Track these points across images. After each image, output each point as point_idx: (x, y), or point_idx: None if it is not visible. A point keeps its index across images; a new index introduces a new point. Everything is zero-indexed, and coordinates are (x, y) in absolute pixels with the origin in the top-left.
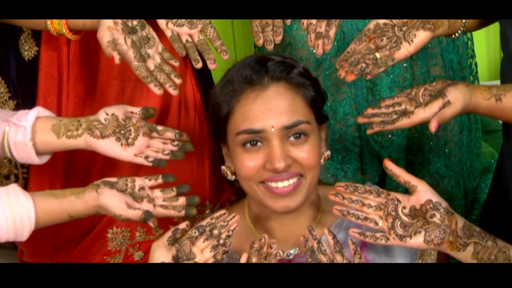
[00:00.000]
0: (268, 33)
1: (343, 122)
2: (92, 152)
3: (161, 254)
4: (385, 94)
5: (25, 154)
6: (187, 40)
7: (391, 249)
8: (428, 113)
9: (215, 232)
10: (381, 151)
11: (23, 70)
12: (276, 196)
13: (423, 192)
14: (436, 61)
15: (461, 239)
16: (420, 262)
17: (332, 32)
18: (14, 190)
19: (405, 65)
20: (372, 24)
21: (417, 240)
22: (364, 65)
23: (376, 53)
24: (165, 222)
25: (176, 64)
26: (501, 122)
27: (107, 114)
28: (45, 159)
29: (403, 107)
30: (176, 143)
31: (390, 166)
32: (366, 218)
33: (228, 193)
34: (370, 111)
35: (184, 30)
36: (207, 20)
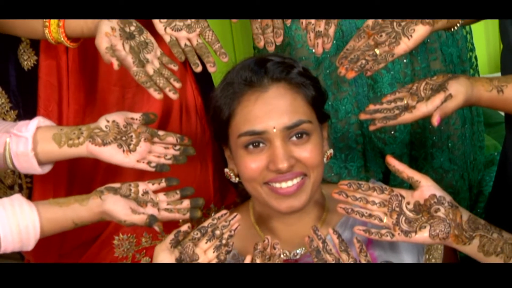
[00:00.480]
0: (268, 34)
1: (345, 120)
2: (95, 160)
3: (164, 257)
4: (386, 90)
5: (27, 164)
6: (186, 44)
7: (397, 245)
8: (430, 107)
9: (217, 232)
10: (384, 147)
11: (23, 80)
12: (281, 196)
13: (427, 187)
14: (436, 56)
15: (467, 233)
16: (427, 256)
17: (331, 31)
18: (18, 200)
19: (405, 61)
20: (370, 20)
21: (423, 235)
22: (364, 61)
23: (376, 49)
24: (171, 227)
25: (175, 68)
26: (503, 114)
27: (108, 121)
28: (47, 168)
29: (405, 102)
30: (177, 147)
31: (393, 162)
32: (370, 215)
33: (232, 196)
34: (372, 107)
35: (183, 35)
36: (205, 24)
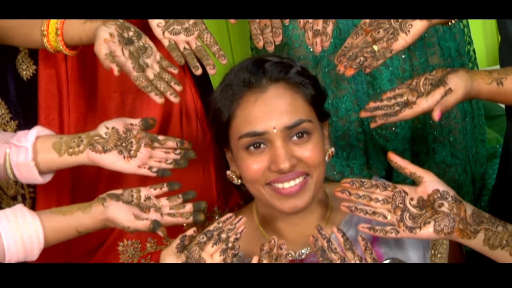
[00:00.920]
0: (267, 34)
1: (346, 118)
2: (98, 167)
3: (170, 262)
4: (386, 87)
5: (28, 174)
6: (184, 48)
7: (402, 241)
8: (431, 102)
9: (223, 236)
10: (386, 144)
11: (22, 90)
12: (284, 196)
13: (430, 182)
14: (434, 50)
15: (471, 227)
16: (432, 252)
17: (329, 29)
18: (20, 210)
19: (403, 56)
20: None
21: (427, 231)
22: (362, 58)
23: (374, 46)
24: (175, 231)
25: (175, 71)
26: (503, 106)
27: (107, 128)
28: (48, 178)
29: (405, 98)
30: (178, 151)
31: (395, 158)
32: (374, 213)
33: (235, 198)
34: (372, 104)
35: (181, 38)
36: (203, 26)
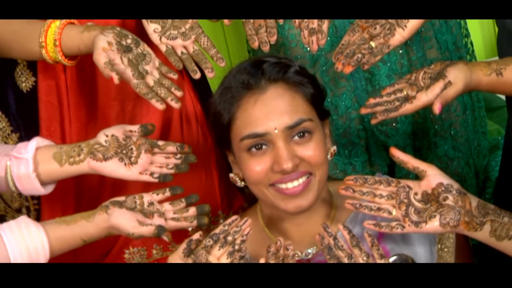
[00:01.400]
0: (262, 34)
1: (346, 116)
2: (101, 176)
3: None
4: (384, 83)
5: (30, 185)
6: (182, 52)
7: (409, 237)
8: (431, 95)
9: (229, 238)
10: (387, 140)
11: (22, 102)
12: (288, 197)
13: (433, 176)
14: (431, 44)
15: (477, 219)
16: (439, 246)
17: (325, 27)
18: (24, 222)
19: (400, 51)
20: None
21: (433, 225)
22: (360, 55)
23: (371, 42)
24: (181, 237)
25: (175, 77)
26: (504, 98)
27: (107, 136)
28: (50, 188)
29: (405, 93)
30: (178, 156)
31: (397, 153)
32: (379, 209)
33: (239, 201)
34: (372, 101)
35: (178, 43)
36: (200, 30)
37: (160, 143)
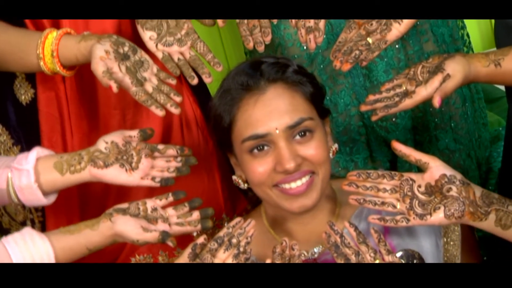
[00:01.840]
0: (256, 35)
1: (345, 113)
2: (105, 184)
3: None
4: (382, 78)
5: (32, 196)
6: (179, 59)
7: (415, 231)
8: (430, 89)
9: (234, 240)
10: (388, 135)
11: (22, 115)
12: (292, 197)
13: (436, 168)
14: (427, 37)
15: (482, 208)
16: (445, 240)
17: (321, 24)
18: (29, 233)
19: (397, 46)
20: None
21: (438, 216)
22: (357, 52)
23: (368, 38)
24: (186, 241)
25: (173, 82)
26: (503, 89)
27: (107, 143)
28: (52, 198)
29: (404, 88)
30: (179, 159)
31: (399, 147)
32: (383, 203)
33: (243, 204)
34: (371, 97)
35: (175, 49)
36: (196, 35)
37: (160, 146)
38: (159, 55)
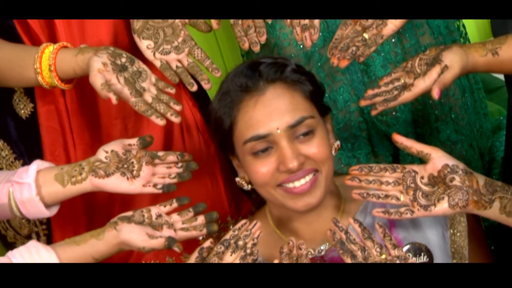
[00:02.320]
0: (251, 35)
1: (345, 109)
2: (109, 194)
3: None
4: (380, 73)
5: (35, 209)
6: (177, 66)
7: (420, 224)
8: (428, 81)
9: (240, 243)
10: (388, 129)
11: (23, 129)
12: (296, 196)
13: (438, 158)
14: (423, 30)
15: (486, 197)
16: (451, 231)
17: (316, 22)
18: (34, 246)
19: (393, 40)
20: None
21: (442, 207)
22: (354, 48)
23: (364, 34)
24: (192, 246)
25: (172, 91)
26: (502, 78)
27: (107, 152)
28: (54, 210)
29: (402, 81)
30: (180, 164)
31: (400, 139)
32: (387, 196)
33: (247, 206)
34: (370, 92)
35: (172, 57)
36: (193, 42)
37: (160, 153)
38: (157, 63)
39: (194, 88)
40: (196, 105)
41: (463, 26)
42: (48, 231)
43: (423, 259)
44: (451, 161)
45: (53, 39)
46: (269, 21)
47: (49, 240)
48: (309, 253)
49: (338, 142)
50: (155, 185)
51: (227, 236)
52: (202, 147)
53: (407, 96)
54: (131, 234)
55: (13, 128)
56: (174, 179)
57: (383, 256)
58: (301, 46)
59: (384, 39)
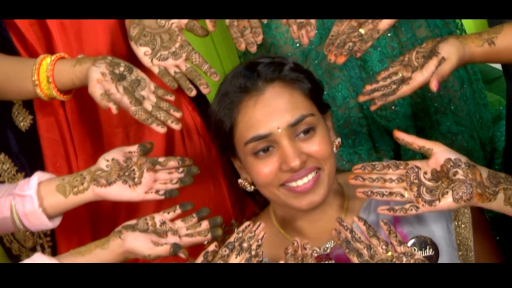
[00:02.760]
0: (247, 36)
1: (344, 106)
2: (113, 202)
3: None
4: (377, 68)
5: (37, 221)
6: (175, 72)
7: (424, 218)
8: (426, 74)
9: (245, 245)
10: (389, 124)
11: (23, 141)
12: (299, 194)
13: (440, 153)
14: (419, 23)
15: (489, 189)
16: (456, 223)
17: (312, 19)
18: (39, 258)
19: (390, 35)
20: None
21: (447, 201)
22: (351, 44)
23: (360, 29)
24: (197, 251)
25: (172, 98)
26: (500, 68)
27: (107, 160)
28: (57, 221)
29: (400, 75)
30: (181, 169)
31: (401, 135)
32: (391, 193)
33: (251, 207)
34: (369, 87)
35: (170, 63)
36: (190, 47)
37: (161, 159)
38: (155, 70)
39: (193, 93)
40: (196, 109)
41: None
42: (52, 242)
43: (429, 252)
44: (453, 155)
45: (50, 50)
46: (265, 21)
47: (54, 252)
48: (315, 251)
49: (339, 139)
50: (157, 192)
51: (232, 239)
52: (204, 150)
53: (405, 89)
54: (136, 242)
55: (14, 141)
56: (176, 185)
57: (389, 253)
58: (298, 44)
59: (380, 33)
